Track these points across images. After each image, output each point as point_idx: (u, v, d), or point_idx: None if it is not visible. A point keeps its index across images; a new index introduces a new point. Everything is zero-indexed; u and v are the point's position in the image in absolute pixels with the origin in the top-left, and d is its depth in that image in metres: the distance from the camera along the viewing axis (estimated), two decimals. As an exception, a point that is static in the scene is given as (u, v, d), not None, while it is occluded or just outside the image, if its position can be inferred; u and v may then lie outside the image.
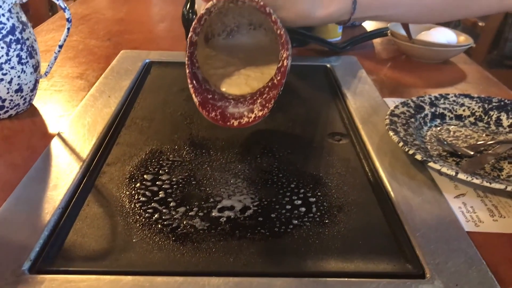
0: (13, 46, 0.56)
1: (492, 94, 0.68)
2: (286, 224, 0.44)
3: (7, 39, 0.56)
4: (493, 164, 0.53)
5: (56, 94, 0.69)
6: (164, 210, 0.45)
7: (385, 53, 0.93)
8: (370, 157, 0.54)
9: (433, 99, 0.64)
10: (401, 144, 0.52)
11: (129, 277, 0.37)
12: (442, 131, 0.61)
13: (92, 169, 0.51)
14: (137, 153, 0.54)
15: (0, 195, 0.46)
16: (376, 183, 0.50)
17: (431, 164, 0.49)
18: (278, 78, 0.50)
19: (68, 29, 0.61)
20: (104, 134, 0.57)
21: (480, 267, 0.39)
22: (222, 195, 0.47)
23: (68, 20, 0.60)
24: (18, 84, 0.58)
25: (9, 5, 0.56)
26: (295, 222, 0.44)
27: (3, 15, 0.55)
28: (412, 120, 0.59)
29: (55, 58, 0.63)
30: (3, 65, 0.56)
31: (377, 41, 0.99)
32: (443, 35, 0.85)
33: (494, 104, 0.63)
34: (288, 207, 0.46)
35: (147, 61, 0.81)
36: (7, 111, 0.60)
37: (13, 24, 0.56)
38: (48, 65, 0.64)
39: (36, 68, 0.61)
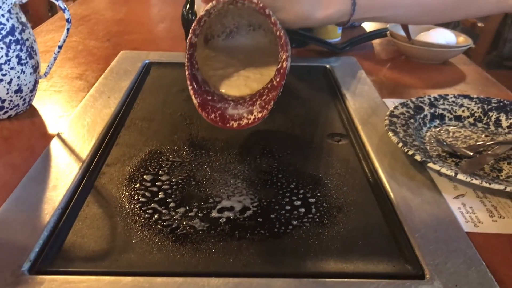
0: (13, 46, 0.56)
1: (491, 94, 0.68)
2: (285, 224, 0.44)
3: (7, 40, 0.56)
4: (493, 164, 0.53)
5: (55, 95, 0.69)
6: (163, 211, 0.45)
7: (384, 53, 0.93)
8: (370, 158, 0.54)
9: (432, 99, 0.64)
10: (400, 144, 0.52)
11: (129, 278, 0.37)
12: (442, 131, 0.61)
13: (92, 169, 0.51)
14: (136, 154, 0.54)
15: (-1, 195, 0.46)
16: (375, 183, 0.50)
17: (430, 164, 0.49)
18: (278, 79, 0.50)
19: (68, 29, 0.61)
20: (104, 134, 0.57)
21: (479, 267, 0.39)
22: (221, 195, 0.47)
23: (67, 20, 0.60)
24: (18, 84, 0.59)
25: (8, 5, 0.56)
26: (295, 222, 0.44)
27: (2, 15, 0.55)
28: (412, 120, 0.59)
29: (55, 59, 0.63)
30: (3, 66, 0.56)
31: (376, 41, 0.99)
32: (442, 36, 0.85)
33: (493, 104, 0.64)
34: (288, 207, 0.46)
35: (146, 61, 0.81)
36: (6, 112, 0.60)
37: (13, 25, 0.56)
38: (48, 66, 0.64)
39: (35, 68, 0.61)
